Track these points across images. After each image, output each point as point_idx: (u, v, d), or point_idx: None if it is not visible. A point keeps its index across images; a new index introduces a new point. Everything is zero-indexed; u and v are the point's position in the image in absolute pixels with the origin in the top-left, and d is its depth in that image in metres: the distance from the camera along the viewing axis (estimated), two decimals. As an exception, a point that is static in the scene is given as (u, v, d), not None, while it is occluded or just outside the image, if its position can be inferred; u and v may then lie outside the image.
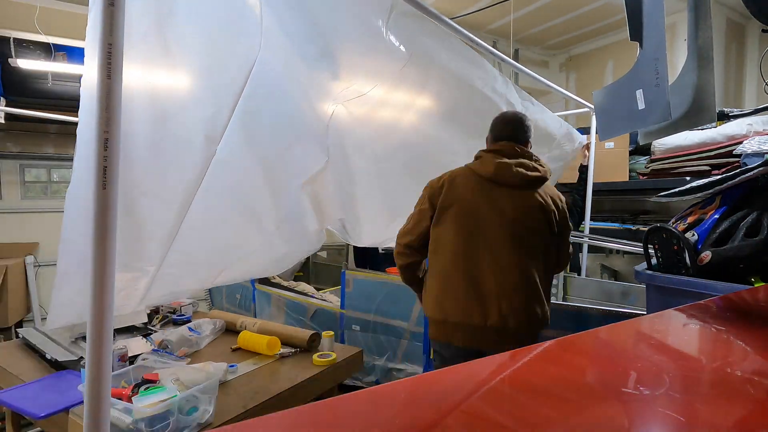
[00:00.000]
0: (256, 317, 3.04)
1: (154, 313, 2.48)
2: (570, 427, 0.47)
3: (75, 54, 3.70)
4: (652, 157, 3.58)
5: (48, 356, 1.86)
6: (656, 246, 1.53)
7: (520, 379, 0.58)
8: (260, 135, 1.53)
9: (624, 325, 0.84)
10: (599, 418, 0.48)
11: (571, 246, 1.85)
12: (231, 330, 2.28)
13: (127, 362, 1.74)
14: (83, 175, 1.03)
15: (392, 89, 1.88)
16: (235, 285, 3.50)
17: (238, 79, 1.31)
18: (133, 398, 1.35)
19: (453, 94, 2.06)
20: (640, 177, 3.73)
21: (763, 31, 3.41)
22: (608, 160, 3.70)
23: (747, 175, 1.45)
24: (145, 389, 1.39)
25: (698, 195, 1.61)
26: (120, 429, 1.30)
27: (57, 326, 1.20)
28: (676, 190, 1.75)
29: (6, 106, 3.57)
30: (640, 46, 1.63)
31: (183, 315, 2.46)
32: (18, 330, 2.43)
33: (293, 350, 2.02)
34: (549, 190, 1.72)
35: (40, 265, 4.16)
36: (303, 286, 3.41)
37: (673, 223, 1.59)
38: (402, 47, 1.69)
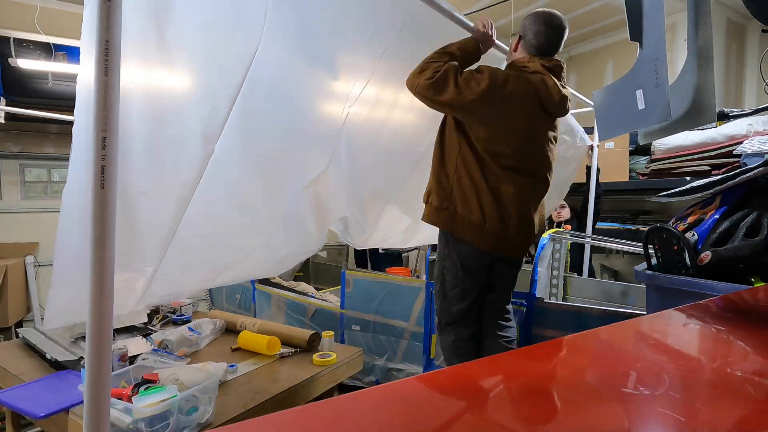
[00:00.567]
0: (256, 317, 3.04)
1: (154, 313, 2.48)
2: (570, 427, 0.47)
3: (75, 54, 3.70)
4: (652, 157, 3.59)
5: (48, 356, 1.86)
6: (656, 246, 1.53)
7: (520, 379, 0.58)
8: (259, 135, 1.52)
9: (624, 325, 0.85)
10: (599, 418, 0.48)
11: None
12: (231, 330, 2.28)
13: (127, 362, 1.74)
14: (80, 174, 1.01)
15: (397, 89, 1.87)
16: (235, 285, 3.50)
17: (235, 76, 1.30)
18: (133, 398, 1.35)
19: None
20: (640, 177, 3.74)
21: (763, 31, 3.41)
22: (608, 160, 3.70)
23: (747, 175, 1.45)
24: (145, 389, 1.39)
25: (698, 195, 1.61)
26: (120, 429, 1.29)
27: (54, 326, 1.19)
28: (676, 190, 1.75)
29: (6, 106, 3.57)
30: (640, 46, 1.63)
31: (183, 315, 2.46)
32: (18, 330, 2.43)
33: (293, 350, 2.02)
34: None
35: (40, 265, 4.16)
36: (303, 286, 3.41)
37: (673, 223, 1.59)
38: (410, 46, 1.68)
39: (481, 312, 1.83)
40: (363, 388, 0.81)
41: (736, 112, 2.06)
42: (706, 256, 1.37)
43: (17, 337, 2.22)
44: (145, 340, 2.05)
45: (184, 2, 1.17)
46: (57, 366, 1.82)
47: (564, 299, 3.17)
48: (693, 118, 1.69)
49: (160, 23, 1.14)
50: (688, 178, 3.18)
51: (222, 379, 1.66)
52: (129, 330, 2.20)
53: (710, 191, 1.57)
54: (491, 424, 0.48)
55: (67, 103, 3.67)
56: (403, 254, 4.94)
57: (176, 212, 1.29)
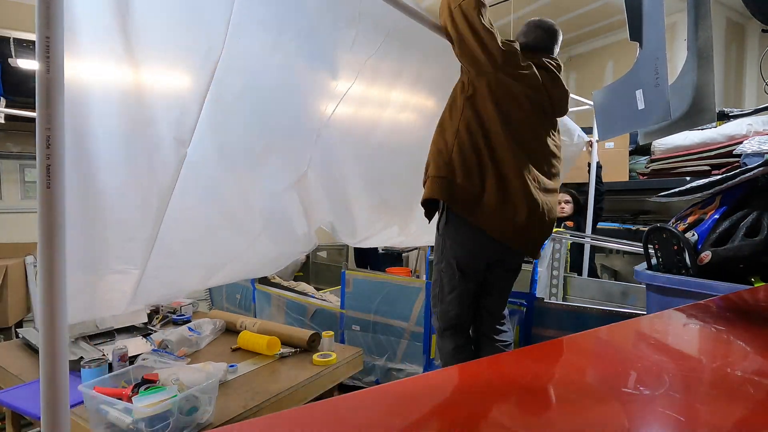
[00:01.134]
0: (256, 317, 3.03)
1: (154, 313, 2.48)
2: (570, 427, 0.47)
3: (75, 54, 3.70)
4: (652, 157, 3.58)
5: (48, 356, 1.86)
6: (656, 246, 1.54)
7: (520, 379, 0.58)
8: (234, 137, 1.47)
9: (624, 325, 0.85)
10: (599, 418, 0.48)
11: None
12: (231, 330, 2.28)
13: (127, 362, 1.74)
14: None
15: (385, 88, 1.85)
16: (235, 285, 3.50)
17: (202, 77, 1.25)
18: (133, 398, 1.35)
19: (447, 93, 2.05)
20: (640, 177, 3.74)
21: (763, 31, 3.41)
22: (608, 160, 3.69)
23: (747, 175, 1.45)
24: (145, 389, 1.39)
25: (698, 195, 1.62)
26: (120, 429, 1.30)
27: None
28: (676, 190, 1.75)
29: (6, 106, 3.57)
30: (640, 46, 1.63)
31: (183, 315, 2.46)
32: (18, 330, 2.43)
33: (293, 350, 2.02)
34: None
35: (40, 265, 4.16)
36: (303, 286, 3.41)
37: (673, 223, 1.59)
38: (396, 45, 1.67)
39: (477, 317, 1.83)
40: (363, 388, 0.81)
41: (736, 112, 2.06)
42: (706, 256, 1.37)
43: (17, 337, 2.22)
44: (145, 340, 2.05)
45: None
46: (57, 366, 1.82)
47: (564, 299, 3.17)
48: (693, 118, 1.69)
49: (125, 19, 1.10)
50: (688, 178, 3.17)
51: (222, 379, 1.66)
52: (129, 330, 2.19)
53: (710, 191, 1.57)
54: (491, 424, 0.48)
55: (67, 103, 3.67)
56: (403, 254, 4.94)
57: (156, 214, 1.27)
